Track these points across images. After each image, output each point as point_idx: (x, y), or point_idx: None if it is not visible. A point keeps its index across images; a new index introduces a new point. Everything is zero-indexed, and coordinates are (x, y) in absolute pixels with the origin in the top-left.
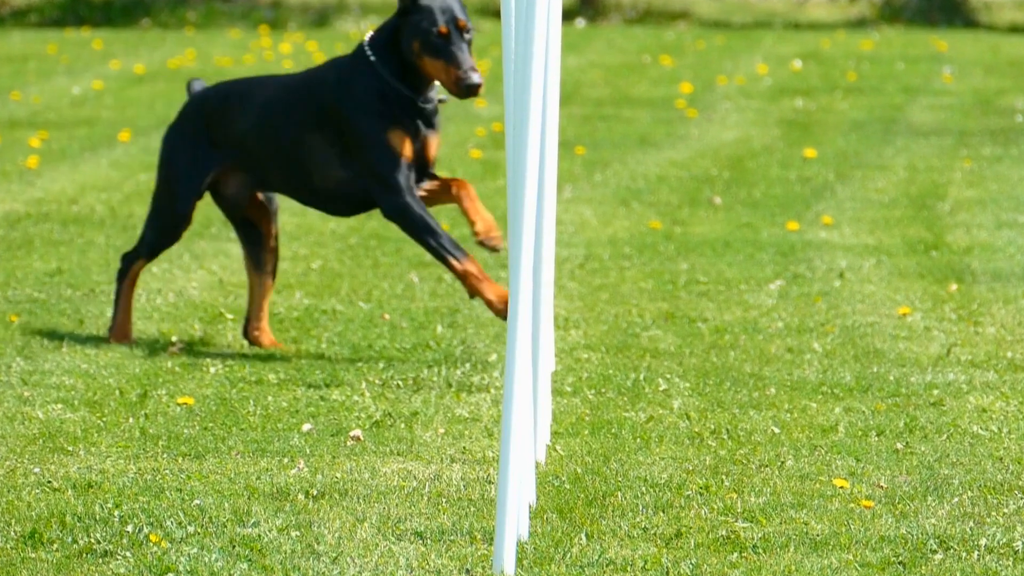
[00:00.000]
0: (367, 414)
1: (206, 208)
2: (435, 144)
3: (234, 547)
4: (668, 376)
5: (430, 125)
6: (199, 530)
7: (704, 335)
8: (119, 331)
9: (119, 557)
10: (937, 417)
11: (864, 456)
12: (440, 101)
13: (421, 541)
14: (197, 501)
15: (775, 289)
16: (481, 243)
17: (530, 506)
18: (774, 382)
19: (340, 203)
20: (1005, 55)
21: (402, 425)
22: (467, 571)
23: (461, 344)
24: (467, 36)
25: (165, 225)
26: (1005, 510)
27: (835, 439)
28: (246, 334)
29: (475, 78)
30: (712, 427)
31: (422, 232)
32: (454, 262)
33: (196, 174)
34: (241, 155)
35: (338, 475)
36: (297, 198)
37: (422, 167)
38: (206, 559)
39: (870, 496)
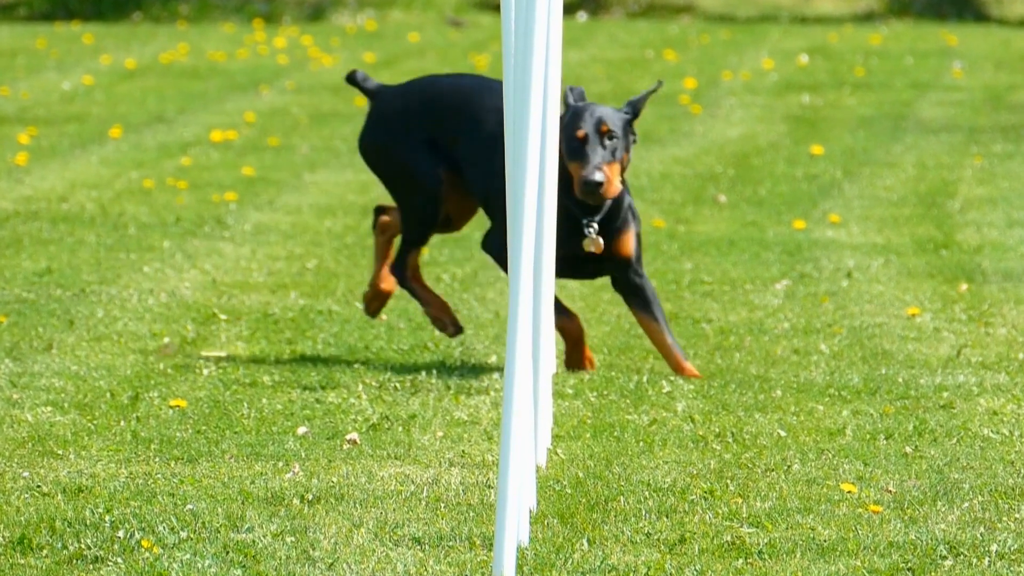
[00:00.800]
0: (364, 417)
1: (198, 206)
2: (625, 242)
3: (228, 553)
4: (672, 378)
5: (602, 233)
6: (192, 536)
7: (709, 336)
8: (438, 308)
9: (110, 563)
10: (947, 420)
11: (872, 460)
12: (588, 234)
13: (419, 547)
14: (190, 506)
15: (781, 289)
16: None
17: (530, 511)
18: (780, 384)
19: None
20: (1016, 50)
21: (400, 428)
22: None
23: (460, 345)
24: (608, 142)
25: (425, 217)
26: (1016, 515)
27: (842, 442)
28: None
29: (595, 176)
30: (717, 430)
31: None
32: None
33: (433, 168)
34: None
35: (334, 479)
36: None
37: (618, 265)
38: (199, 565)
39: (878, 501)
